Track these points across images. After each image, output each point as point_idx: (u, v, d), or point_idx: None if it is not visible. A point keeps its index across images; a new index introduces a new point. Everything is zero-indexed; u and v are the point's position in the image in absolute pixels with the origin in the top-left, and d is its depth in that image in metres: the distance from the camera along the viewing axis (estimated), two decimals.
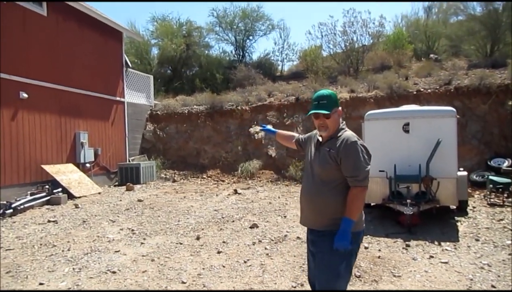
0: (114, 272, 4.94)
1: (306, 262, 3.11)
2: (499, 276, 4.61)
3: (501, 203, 8.59)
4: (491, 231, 6.59)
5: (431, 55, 18.77)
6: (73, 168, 11.37)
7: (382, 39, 20.43)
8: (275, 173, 14.09)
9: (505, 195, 8.74)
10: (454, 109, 7.22)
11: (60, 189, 10.08)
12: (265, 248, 5.96)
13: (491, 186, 8.76)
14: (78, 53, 12.23)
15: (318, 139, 2.92)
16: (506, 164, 10.30)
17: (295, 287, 4.48)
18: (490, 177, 8.91)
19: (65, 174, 10.81)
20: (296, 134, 3.52)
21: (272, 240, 6.39)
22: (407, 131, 7.13)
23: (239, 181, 13.78)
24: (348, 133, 2.77)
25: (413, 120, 7.08)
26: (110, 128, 13.74)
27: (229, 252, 5.82)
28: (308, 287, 4.38)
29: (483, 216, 7.65)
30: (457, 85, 12.43)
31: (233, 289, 4.44)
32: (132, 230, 7.10)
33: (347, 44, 19.50)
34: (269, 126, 3.80)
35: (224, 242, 6.33)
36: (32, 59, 10.50)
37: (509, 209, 8.18)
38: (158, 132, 16.27)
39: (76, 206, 9.20)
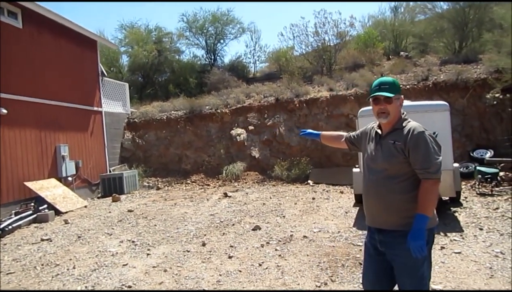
0: (129, 287, 4.79)
1: (363, 266, 2.94)
2: None
3: (490, 192, 8.93)
4: (491, 220, 6.83)
5: (401, 53, 19.33)
6: (56, 183, 10.96)
7: (353, 38, 20.85)
8: (260, 174, 14.11)
9: (493, 184, 9.09)
10: (447, 104, 7.46)
11: (45, 206, 9.69)
12: (276, 249, 5.95)
13: (479, 176, 9.10)
14: (54, 64, 11.82)
15: (377, 132, 2.76)
16: (488, 154, 10.73)
17: (319, 286, 4.49)
18: (478, 168, 9.25)
19: (49, 189, 10.40)
20: (343, 133, 3.30)
21: (280, 241, 6.39)
22: None
23: (224, 184, 13.70)
24: (414, 123, 2.62)
25: (408, 115, 7.23)
26: (89, 139, 13.33)
27: (240, 256, 5.77)
28: (334, 286, 4.45)
29: (477, 205, 7.94)
30: (435, 80, 12.85)
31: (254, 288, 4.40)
32: (133, 242, 6.91)
33: (319, 44, 19.75)
34: (309, 130, 3.56)
35: (231, 246, 6.27)
36: (9, 73, 10.05)
37: (499, 197, 8.53)
38: (137, 140, 15.94)
39: (66, 222, 8.86)
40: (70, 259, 6.10)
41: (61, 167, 11.52)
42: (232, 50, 60.40)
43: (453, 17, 17.05)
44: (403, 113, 2.73)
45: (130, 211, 9.75)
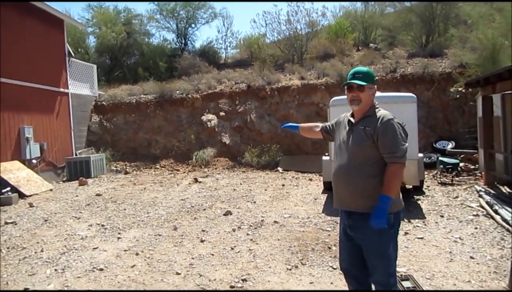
0: (101, 269, 4.76)
1: (339, 248, 3.08)
2: (473, 248, 5.06)
3: (450, 182, 9.37)
4: (451, 208, 7.19)
5: (371, 45, 19.70)
6: (19, 165, 10.59)
7: (324, 28, 21.02)
8: (230, 160, 14.16)
9: (454, 174, 9.53)
10: (415, 96, 7.73)
11: (8, 188, 9.36)
12: (247, 234, 6.04)
13: (441, 166, 9.51)
14: (18, 43, 11.32)
15: (349, 120, 2.88)
16: (450, 146, 11.21)
17: (290, 269, 4.62)
18: (440, 158, 9.67)
19: (12, 172, 10.05)
20: (319, 124, 3.45)
21: (251, 226, 6.49)
22: None
23: (194, 169, 13.68)
24: (384, 111, 2.76)
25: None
26: (55, 121, 12.92)
27: (212, 240, 5.83)
28: (304, 269, 4.60)
29: (439, 194, 8.32)
30: (402, 73, 13.25)
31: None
32: (103, 225, 6.83)
33: (291, 32, 19.79)
34: (290, 123, 3.74)
35: (203, 230, 6.32)
36: None
37: (459, 187, 8.97)
38: (105, 124, 15.59)
39: (31, 205, 8.62)
40: (38, 242, 5.97)
41: (25, 149, 11.14)
42: (203, 35, 59.51)
43: (421, 11, 17.52)
44: (375, 102, 2.85)
45: (98, 195, 9.58)
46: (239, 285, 4.22)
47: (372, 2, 22.93)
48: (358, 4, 23.87)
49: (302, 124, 3.63)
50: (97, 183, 11.68)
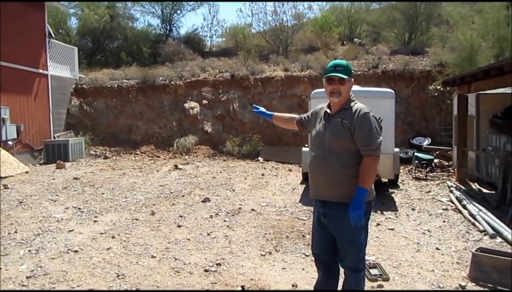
0: (76, 251, 4.78)
1: (311, 235, 3.19)
2: (439, 240, 5.28)
3: (424, 177, 9.64)
4: (422, 202, 7.44)
5: (355, 40, 19.89)
6: None
7: (310, 21, 21.11)
8: (211, 148, 14.21)
9: (428, 170, 9.81)
10: (393, 92, 7.91)
11: None
12: (224, 221, 6.14)
13: (416, 161, 9.77)
14: None
15: (326, 112, 2.96)
16: (426, 142, 11.52)
17: (264, 255, 4.73)
18: (416, 154, 9.93)
19: None
20: (295, 116, 3.45)
21: (229, 213, 6.58)
22: None
23: (175, 156, 13.69)
24: (360, 105, 2.84)
25: (357, 100, 7.59)
26: (33, 103, 12.70)
27: (189, 225, 5.90)
28: (278, 255, 4.72)
29: (412, 188, 8.58)
30: (384, 69, 13.47)
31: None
32: (79, 209, 6.82)
33: (277, 23, 19.80)
34: (262, 109, 3.64)
35: (181, 216, 6.38)
36: None
37: (432, 182, 9.25)
38: (85, 108, 15.40)
39: (6, 187, 8.50)
40: (11, 224, 5.93)
41: (1, 130, 10.93)
42: (188, 22, 58.92)
43: (405, 9, 17.79)
44: (351, 95, 2.94)
45: (75, 178, 9.52)
46: (213, 269, 4.30)
47: None
48: None
49: (276, 114, 3.59)
50: (75, 167, 11.58)
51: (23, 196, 7.76)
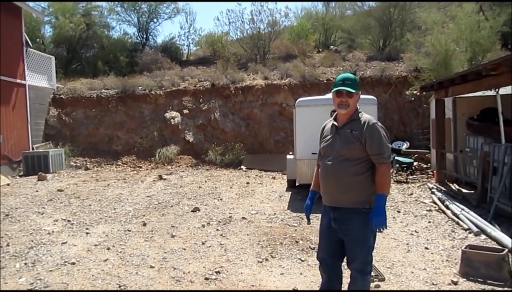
0: (73, 263, 4.76)
1: (319, 240, 3.27)
2: (427, 239, 5.51)
3: (405, 180, 9.97)
4: (407, 204, 7.71)
5: (331, 47, 20.33)
6: None
7: (286, 29, 21.40)
8: (194, 158, 14.21)
9: (408, 173, 10.14)
10: (375, 98, 8.17)
11: None
12: (217, 229, 6.20)
13: (397, 165, 10.09)
14: None
15: (334, 124, 3.10)
16: (405, 146, 11.89)
17: (261, 261, 4.83)
18: (396, 158, 10.24)
19: None
20: (316, 165, 3.34)
21: (220, 222, 6.65)
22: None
23: (157, 166, 13.62)
24: (368, 115, 3.01)
25: None
26: (11, 113, 12.43)
27: (183, 235, 5.94)
28: (274, 261, 4.83)
29: (395, 191, 8.86)
30: (362, 75, 13.83)
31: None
32: (69, 221, 6.75)
33: (255, 32, 19.99)
34: (307, 202, 3.33)
35: (173, 226, 6.41)
36: None
37: (413, 184, 9.58)
38: (64, 118, 15.15)
39: None
40: (2, 237, 5.83)
41: None
42: (165, 30, 58.57)
43: (379, 15, 18.32)
44: (358, 107, 3.10)
45: (60, 190, 9.39)
46: (213, 277, 4.37)
47: (333, 4, 23.65)
48: (320, 5, 24.52)
49: (314, 184, 3.33)
50: (57, 179, 11.39)
51: (9, 209, 7.61)
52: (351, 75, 3.08)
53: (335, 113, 3.17)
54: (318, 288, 3.44)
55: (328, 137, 3.13)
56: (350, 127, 3.00)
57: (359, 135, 2.93)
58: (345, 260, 3.14)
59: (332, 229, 3.07)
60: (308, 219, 3.33)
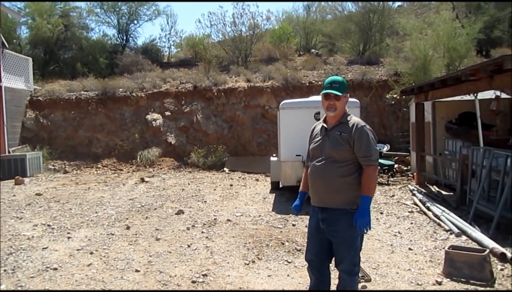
0: (55, 269, 4.63)
1: (307, 241, 3.28)
2: (411, 241, 5.60)
3: (386, 182, 10.12)
4: (389, 205, 7.83)
5: (312, 50, 20.52)
6: None
7: (268, 32, 21.50)
8: (176, 160, 14.10)
9: (389, 175, 10.30)
10: (358, 101, 8.29)
11: None
12: (202, 232, 6.16)
13: (378, 167, 10.23)
14: None
15: (323, 126, 3.14)
16: (385, 148, 12.07)
17: (247, 263, 4.82)
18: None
19: None
20: (304, 166, 3.44)
21: (205, 224, 6.61)
22: (318, 119, 7.91)
23: (139, 169, 13.46)
24: (356, 118, 3.06)
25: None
26: None
27: (168, 238, 5.87)
28: (261, 263, 4.83)
29: (377, 193, 8.90)
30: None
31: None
32: (49, 225, 6.58)
33: (236, 34, 20.00)
34: (296, 202, 3.37)
35: (157, 229, 6.33)
36: None
37: (394, 186, 9.73)
38: (42, 120, 14.80)
39: None
40: None
41: None
42: (146, 32, 57.98)
43: (359, 20, 18.62)
44: (346, 109, 3.14)
45: (38, 194, 9.16)
46: (200, 280, 4.34)
47: (313, 9, 23.90)
48: (300, 10, 24.73)
49: (303, 185, 3.37)
50: (35, 182, 11.11)
51: None
52: (339, 78, 3.12)
53: (325, 115, 3.20)
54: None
55: (318, 139, 3.16)
56: (339, 130, 3.03)
57: (348, 138, 2.97)
58: (333, 261, 3.17)
59: (320, 230, 3.10)
60: (298, 212, 3.36)
